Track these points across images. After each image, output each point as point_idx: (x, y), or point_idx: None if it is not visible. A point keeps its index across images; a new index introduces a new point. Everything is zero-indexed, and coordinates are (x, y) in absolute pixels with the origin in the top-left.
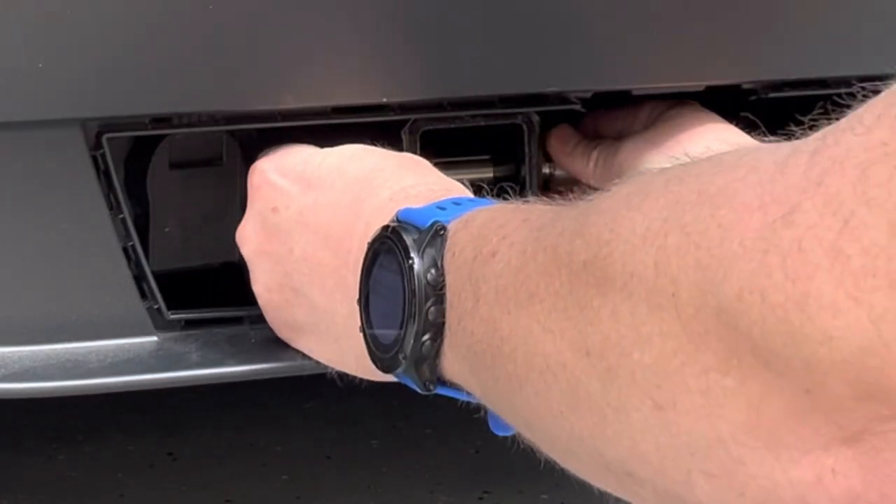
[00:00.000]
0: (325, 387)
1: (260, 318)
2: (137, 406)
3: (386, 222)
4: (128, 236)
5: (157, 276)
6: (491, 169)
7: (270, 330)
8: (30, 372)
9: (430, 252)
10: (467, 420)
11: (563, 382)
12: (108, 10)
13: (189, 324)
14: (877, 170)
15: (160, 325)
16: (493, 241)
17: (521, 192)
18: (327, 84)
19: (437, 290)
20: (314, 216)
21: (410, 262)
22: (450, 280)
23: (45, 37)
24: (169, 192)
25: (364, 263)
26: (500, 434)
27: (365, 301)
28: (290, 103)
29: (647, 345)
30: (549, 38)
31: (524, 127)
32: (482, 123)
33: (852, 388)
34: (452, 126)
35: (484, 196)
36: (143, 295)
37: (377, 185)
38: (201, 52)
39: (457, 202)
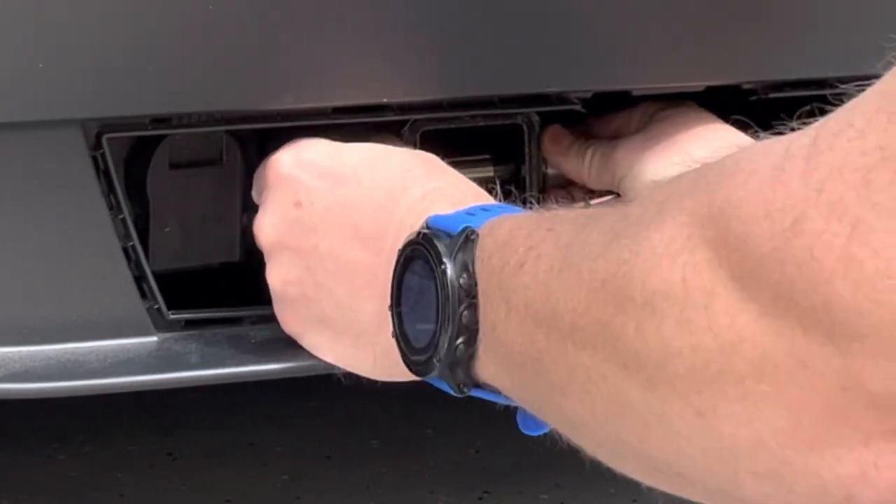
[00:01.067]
0: (324, 387)
1: (260, 319)
2: (137, 406)
3: (420, 222)
4: (128, 236)
5: (157, 276)
6: (491, 169)
7: (271, 330)
8: (30, 372)
9: (461, 257)
10: (467, 420)
11: (605, 392)
12: (107, 11)
13: (189, 324)
14: (877, 175)
15: (160, 325)
16: (521, 251)
17: (522, 193)
18: (327, 84)
19: (469, 295)
20: (343, 213)
21: (443, 266)
22: (481, 287)
23: (44, 37)
24: (169, 192)
25: (395, 269)
26: (531, 434)
27: (397, 305)
28: (290, 103)
29: (678, 358)
30: (549, 38)
31: (524, 127)
32: (482, 123)
33: (885, 384)
34: (452, 126)
35: (492, 197)
36: (143, 295)
37: (409, 185)
38: (201, 52)
39: (485, 208)
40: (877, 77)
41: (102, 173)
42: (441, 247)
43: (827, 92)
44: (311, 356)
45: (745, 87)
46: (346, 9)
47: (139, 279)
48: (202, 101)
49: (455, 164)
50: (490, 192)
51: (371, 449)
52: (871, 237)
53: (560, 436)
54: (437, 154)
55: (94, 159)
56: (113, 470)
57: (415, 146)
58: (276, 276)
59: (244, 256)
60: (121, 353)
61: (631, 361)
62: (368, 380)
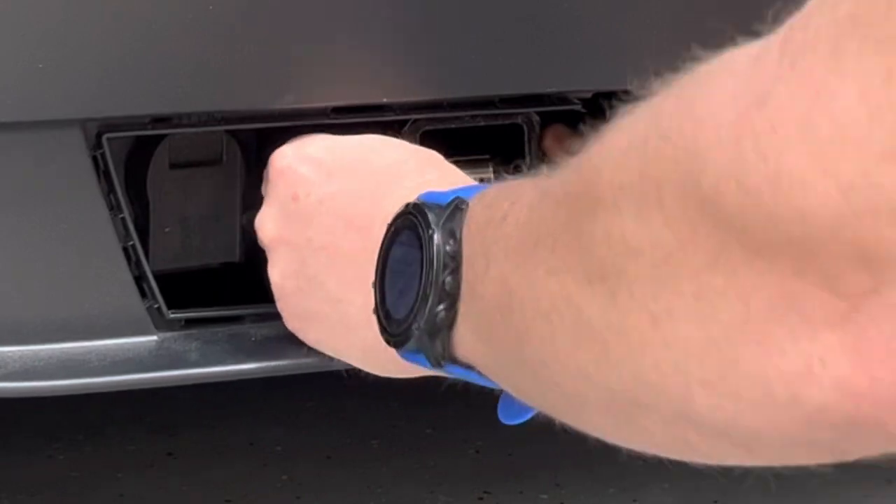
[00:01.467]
0: (325, 387)
1: (260, 317)
2: (138, 406)
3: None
4: (128, 236)
5: (156, 276)
6: (491, 169)
7: (271, 328)
8: (30, 371)
9: (448, 225)
10: (467, 420)
11: (567, 319)
12: (107, 10)
13: (189, 323)
14: (846, 42)
15: (160, 324)
16: (505, 206)
17: None
18: (327, 84)
19: (453, 260)
20: (335, 204)
21: (430, 232)
22: (466, 251)
23: (44, 37)
24: (169, 192)
25: (383, 242)
26: (509, 423)
27: (381, 279)
28: (290, 103)
29: (639, 257)
30: (549, 38)
31: (524, 127)
32: (482, 123)
33: (832, 264)
34: (452, 126)
35: None
36: (143, 294)
37: (401, 176)
38: (201, 51)
39: (474, 188)
40: None
41: (102, 173)
42: (430, 215)
43: None
44: (311, 353)
45: None
46: (345, 8)
47: (139, 279)
48: (202, 100)
49: (455, 164)
50: None
51: (371, 449)
52: (833, 104)
53: (547, 417)
54: (438, 153)
55: (94, 159)
56: (113, 470)
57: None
58: (276, 271)
59: (244, 256)
60: (120, 353)
61: (596, 274)
62: (368, 378)
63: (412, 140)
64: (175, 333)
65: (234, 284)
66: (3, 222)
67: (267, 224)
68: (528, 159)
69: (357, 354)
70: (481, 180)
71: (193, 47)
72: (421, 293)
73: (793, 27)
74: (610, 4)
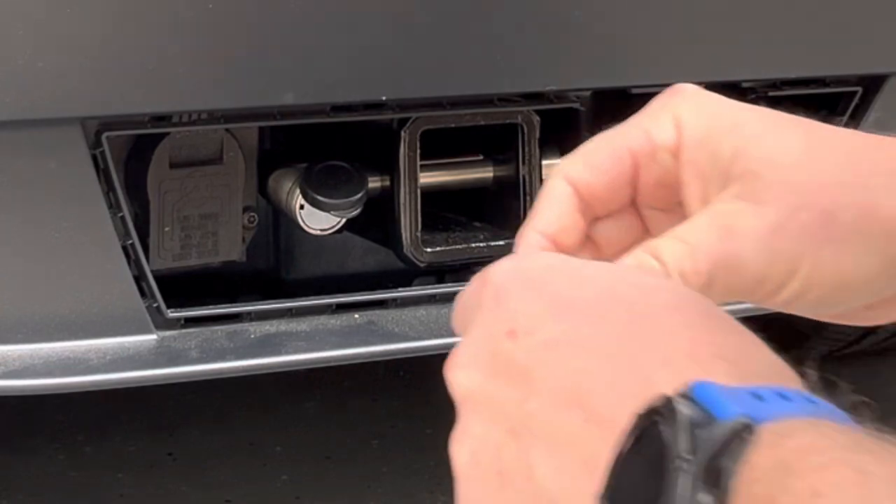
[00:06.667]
0: (325, 387)
1: (259, 315)
2: (137, 406)
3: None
4: (127, 235)
5: (156, 275)
6: (491, 169)
7: (269, 325)
8: (30, 369)
9: (717, 463)
10: None
11: None
12: (107, 10)
13: (189, 321)
14: None
15: (160, 323)
16: (815, 474)
17: (520, 192)
18: (327, 82)
19: None
20: (571, 355)
21: (679, 464)
22: None
23: (44, 36)
24: (169, 192)
25: (623, 443)
26: None
27: (608, 498)
28: (289, 101)
29: None
30: (549, 37)
31: (524, 126)
32: (481, 122)
33: None
34: (452, 126)
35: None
36: (142, 293)
37: (676, 338)
38: (201, 50)
39: (784, 395)
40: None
41: (102, 172)
42: (685, 434)
43: (825, 90)
44: (309, 349)
45: (745, 84)
46: (345, 7)
47: (139, 278)
48: (202, 99)
49: (454, 164)
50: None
51: (371, 449)
52: None
53: None
54: (437, 154)
55: (94, 158)
56: (113, 470)
57: (415, 146)
58: (467, 445)
59: (244, 256)
60: (120, 351)
61: None
62: (368, 378)
63: (412, 140)
64: (175, 332)
65: (233, 282)
66: (2, 221)
67: (466, 372)
68: (527, 159)
69: None
70: (480, 181)
71: (193, 46)
72: None
73: None
74: (609, 4)
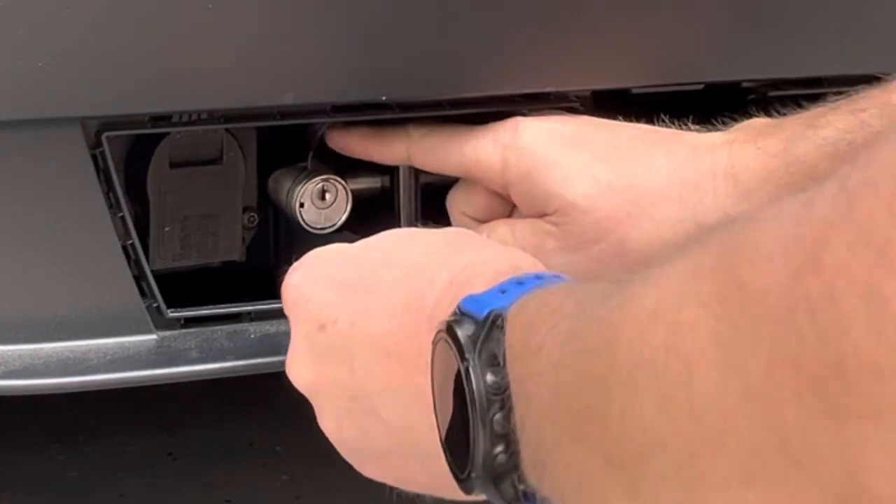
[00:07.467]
0: None
1: (259, 315)
2: (137, 406)
3: (450, 312)
4: (127, 235)
5: (156, 275)
6: None
7: (269, 325)
8: (30, 369)
9: (488, 348)
10: None
11: (594, 498)
12: (107, 9)
13: (189, 321)
14: None
15: (160, 323)
16: (543, 330)
17: None
18: (326, 82)
19: (500, 394)
20: (369, 322)
21: (465, 365)
22: (512, 385)
23: (44, 36)
24: (169, 192)
25: (431, 366)
26: None
27: (437, 411)
28: (289, 101)
29: (661, 451)
30: (549, 37)
31: None
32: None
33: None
34: None
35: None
36: (142, 293)
37: (433, 271)
38: (201, 50)
39: (520, 281)
40: (872, 77)
41: (102, 172)
42: (464, 337)
43: (825, 90)
44: None
45: (745, 85)
46: (345, 6)
47: (139, 278)
48: (202, 98)
49: None
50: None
51: None
52: None
53: None
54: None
55: (94, 157)
56: (113, 470)
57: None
58: (328, 419)
59: (244, 256)
60: (120, 351)
61: (615, 457)
62: None
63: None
64: (174, 332)
65: (233, 282)
66: (2, 220)
67: (300, 370)
68: None
69: (426, 483)
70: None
71: (193, 45)
72: (473, 436)
73: (856, 163)
74: (609, 3)
